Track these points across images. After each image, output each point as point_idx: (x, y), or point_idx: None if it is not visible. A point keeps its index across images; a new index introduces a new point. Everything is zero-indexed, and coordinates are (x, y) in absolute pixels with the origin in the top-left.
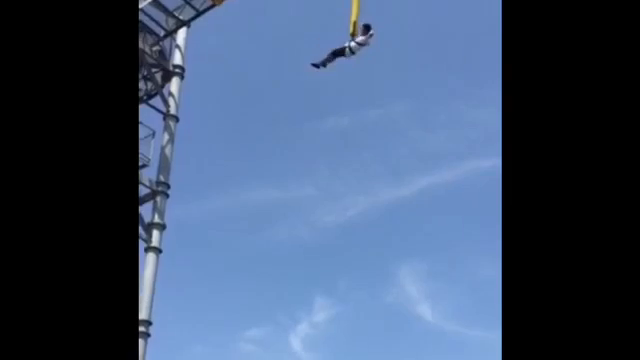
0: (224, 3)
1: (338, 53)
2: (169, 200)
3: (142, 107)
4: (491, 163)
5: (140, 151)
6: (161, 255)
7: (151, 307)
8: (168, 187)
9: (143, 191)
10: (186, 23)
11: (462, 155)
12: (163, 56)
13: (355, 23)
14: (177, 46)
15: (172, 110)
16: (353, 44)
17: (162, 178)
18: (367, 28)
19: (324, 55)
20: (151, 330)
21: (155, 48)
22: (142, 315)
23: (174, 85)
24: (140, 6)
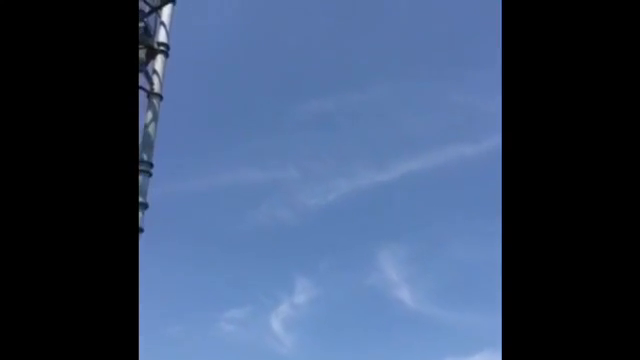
0: None
1: None
2: (151, 179)
3: None
4: (474, 148)
5: None
6: (142, 234)
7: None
8: (151, 166)
9: None
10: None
11: (446, 139)
12: (147, 33)
13: None
14: (162, 23)
15: (156, 88)
16: None
17: (145, 157)
18: None
19: None
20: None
21: (140, 24)
22: None
23: (158, 63)
24: None
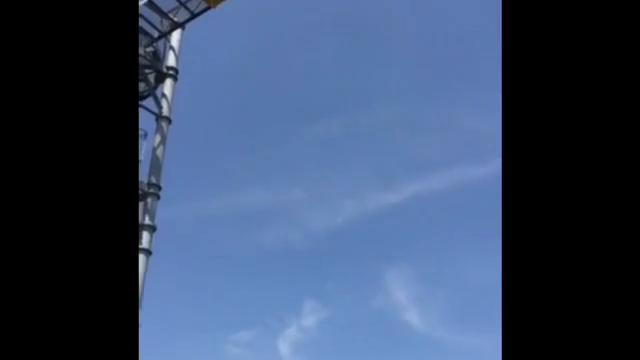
0: (219, 6)
1: None
2: (160, 202)
3: None
4: (481, 169)
5: None
6: (151, 257)
7: (139, 309)
8: (159, 189)
9: None
10: (181, 25)
11: (453, 161)
12: (157, 57)
13: None
14: (171, 48)
15: (165, 112)
16: None
17: (153, 179)
18: None
19: None
20: (139, 331)
21: (149, 49)
22: None
23: (167, 87)
24: None
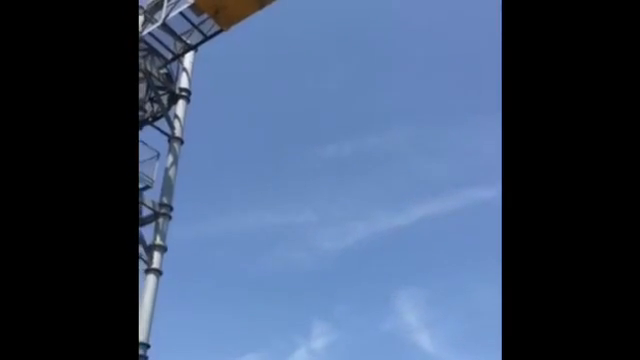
0: (231, 29)
1: None
2: (171, 222)
3: (147, 128)
4: (491, 192)
5: (144, 172)
6: (161, 277)
7: (149, 330)
8: (171, 209)
9: (145, 212)
10: (193, 47)
11: (463, 183)
12: (170, 79)
13: None
14: (184, 69)
15: (177, 132)
16: None
17: (165, 200)
18: None
19: None
20: (148, 353)
21: (162, 71)
22: (140, 337)
23: (180, 108)
24: (149, 30)
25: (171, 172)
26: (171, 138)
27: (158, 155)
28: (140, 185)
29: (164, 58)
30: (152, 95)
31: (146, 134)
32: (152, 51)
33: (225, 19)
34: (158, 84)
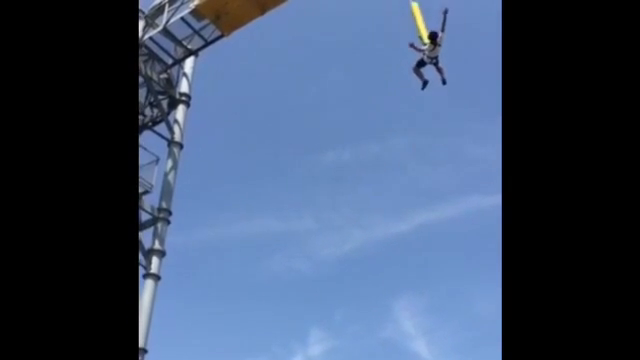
0: (232, 34)
1: (420, 64)
2: (170, 227)
3: (147, 133)
4: (491, 200)
5: (143, 177)
6: (159, 282)
7: (147, 335)
8: (170, 214)
9: (144, 217)
10: (194, 52)
11: (462, 191)
12: (170, 84)
13: (422, 37)
14: (184, 74)
15: (177, 137)
16: (425, 57)
17: (164, 204)
18: (434, 36)
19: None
20: (146, 358)
21: (162, 76)
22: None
23: (180, 112)
24: (150, 35)
25: (170, 177)
26: (171, 143)
27: (158, 160)
28: (139, 190)
29: (165, 63)
30: (152, 100)
31: (146, 139)
32: (153, 56)
33: (226, 24)
34: (158, 89)
